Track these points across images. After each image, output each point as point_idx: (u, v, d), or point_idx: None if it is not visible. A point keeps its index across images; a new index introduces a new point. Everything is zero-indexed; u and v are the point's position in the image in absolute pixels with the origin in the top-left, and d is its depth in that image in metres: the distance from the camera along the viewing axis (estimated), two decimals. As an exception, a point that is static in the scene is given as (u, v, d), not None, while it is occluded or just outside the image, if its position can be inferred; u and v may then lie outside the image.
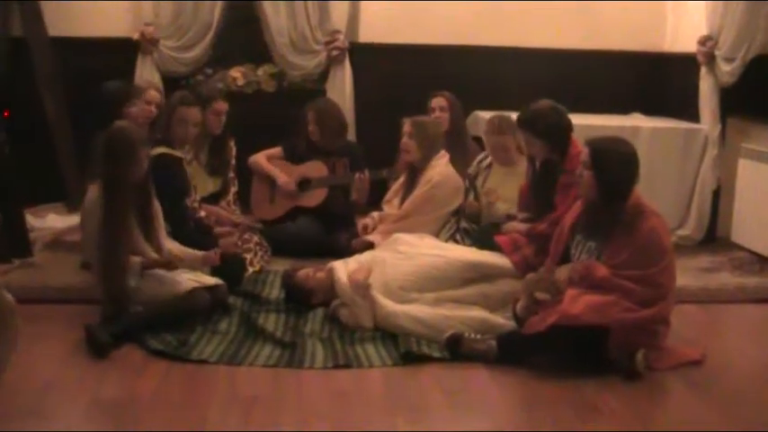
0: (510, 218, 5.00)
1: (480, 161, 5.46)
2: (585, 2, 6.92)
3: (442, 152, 5.50)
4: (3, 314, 3.23)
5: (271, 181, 5.94)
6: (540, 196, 4.78)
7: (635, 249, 3.93)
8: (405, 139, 5.48)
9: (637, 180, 4.03)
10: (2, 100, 5.88)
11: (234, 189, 5.88)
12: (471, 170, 5.46)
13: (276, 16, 6.61)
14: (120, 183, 4.29)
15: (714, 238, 6.30)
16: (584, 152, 4.07)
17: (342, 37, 6.66)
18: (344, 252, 5.21)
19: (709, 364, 4.16)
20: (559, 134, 4.60)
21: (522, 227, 4.76)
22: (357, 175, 5.72)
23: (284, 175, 5.89)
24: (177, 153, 4.93)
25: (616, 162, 4.00)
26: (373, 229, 5.50)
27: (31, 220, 5.95)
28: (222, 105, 5.62)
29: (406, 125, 5.49)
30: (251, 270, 5.21)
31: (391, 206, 5.65)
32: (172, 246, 4.60)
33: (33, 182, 6.17)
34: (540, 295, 4.06)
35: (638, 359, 3.90)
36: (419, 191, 5.44)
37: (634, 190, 4.02)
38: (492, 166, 5.35)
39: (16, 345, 3.35)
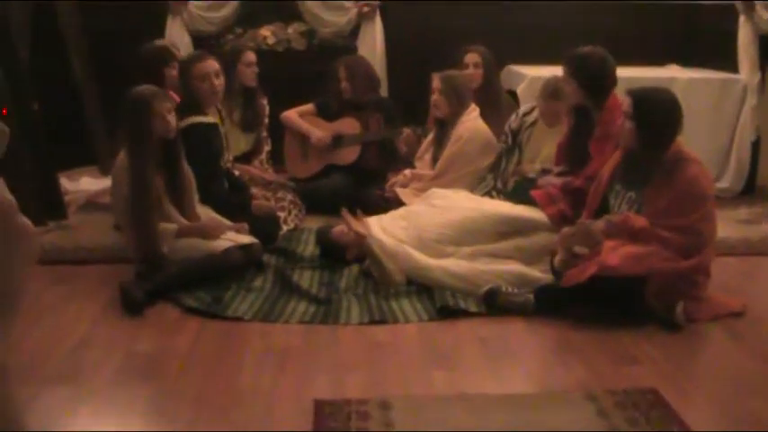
0: (545, 172, 4.93)
1: (525, 114, 5.31)
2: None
3: (472, 106, 5.40)
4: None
5: (304, 138, 5.91)
6: (575, 148, 4.70)
7: (675, 197, 3.86)
8: (434, 95, 5.40)
9: (679, 129, 3.95)
10: (31, 65, 5.86)
11: (267, 148, 5.84)
12: (513, 124, 5.31)
13: (305, -27, 6.54)
14: (141, 146, 4.27)
15: (753, 188, 6.19)
16: (626, 102, 3.99)
17: (373, -8, 6.57)
18: (378, 208, 5.17)
19: (751, 314, 4.09)
20: (598, 82, 4.49)
21: (558, 181, 4.68)
22: (407, 130, 5.71)
23: (318, 131, 5.85)
24: (210, 119, 4.85)
25: (658, 111, 3.92)
26: (404, 185, 5.44)
27: (66, 183, 5.99)
28: (251, 56, 5.58)
29: (435, 80, 5.41)
30: (285, 228, 5.20)
31: (423, 162, 5.58)
32: (203, 213, 4.59)
33: (67, 145, 6.18)
34: (578, 248, 3.98)
35: (677, 310, 3.84)
36: (449, 149, 5.35)
37: (676, 139, 3.93)
38: (536, 124, 5.23)
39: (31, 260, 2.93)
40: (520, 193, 4.83)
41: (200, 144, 4.65)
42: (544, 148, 5.12)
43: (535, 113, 5.21)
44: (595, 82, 4.50)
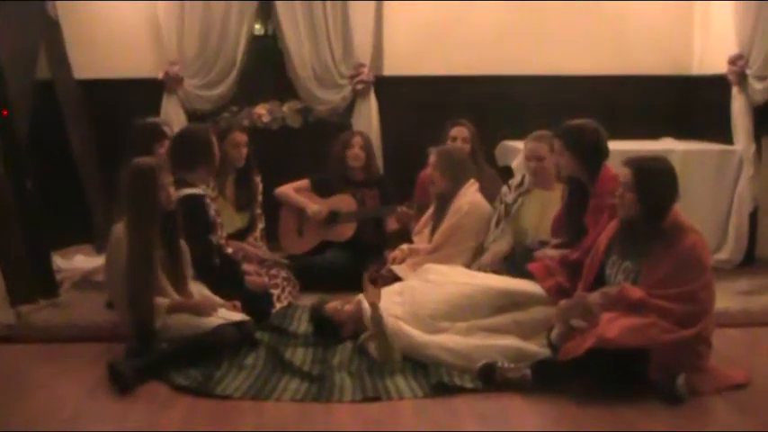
0: (543, 244, 4.89)
1: (519, 185, 5.28)
2: (611, 26, 6.83)
3: (471, 180, 5.38)
4: None
5: (299, 213, 5.89)
6: (571, 220, 4.67)
7: (674, 266, 3.81)
8: (430, 170, 5.38)
9: (677, 196, 3.94)
10: (30, 142, 5.87)
11: (261, 225, 5.80)
12: (508, 197, 5.27)
13: (299, 51, 6.60)
14: (143, 217, 4.25)
15: (753, 260, 6.13)
16: (625, 172, 3.96)
17: (366, 70, 6.62)
18: (375, 284, 5.09)
19: (755, 386, 3.98)
20: (591, 154, 4.50)
21: (555, 253, 4.63)
22: (401, 207, 5.69)
23: (314, 204, 5.83)
24: (199, 190, 4.84)
25: (658, 179, 3.92)
26: (402, 261, 5.39)
27: (60, 261, 5.98)
28: (240, 136, 5.57)
29: (432, 156, 5.41)
30: (279, 305, 5.14)
31: (422, 237, 5.52)
32: (196, 289, 4.54)
33: (62, 224, 6.18)
34: (576, 321, 3.91)
35: (679, 382, 3.75)
36: (448, 221, 5.30)
37: (673, 207, 3.90)
38: (530, 192, 5.20)
39: None
40: (517, 267, 4.77)
41: (192, 215, 4.61)
42: (539, 221, 5.08)
43: (526, 183, 5.18)
44: (590, 153, 4.51)
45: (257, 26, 6.93)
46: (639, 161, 3.98)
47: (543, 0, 6.73)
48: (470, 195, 5.33)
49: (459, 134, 5.87)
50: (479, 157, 5.94)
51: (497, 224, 5.24)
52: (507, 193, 5.29)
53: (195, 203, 4.70)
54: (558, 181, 5.03)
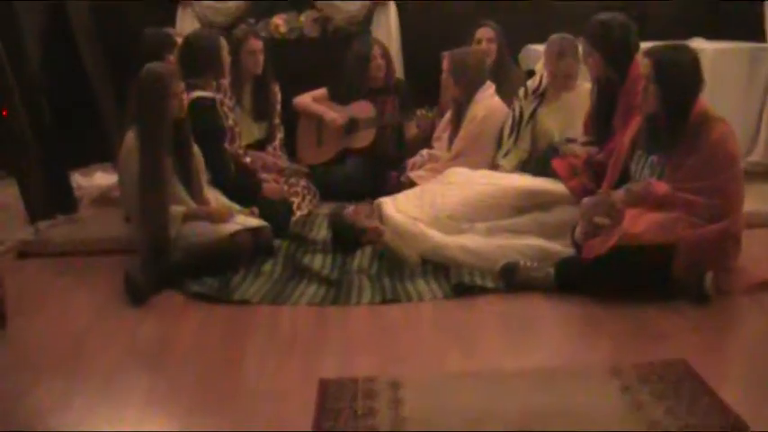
0: (570, 141, 4.73)
1: (536, 89, 5.08)
2: None
3: (488, 84, 5.20)
4: None
5: (318, 123, 5.79)
6: (600, 120, 4.49)
7: (701, 158, 3.65)
8: (444, 75, 5.23)
9: (702, 87, 3.75)
10: (44, 62, 5.79)
11: (280, 135, 5.70)
12: (524, 103, 5.08)
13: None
14: (154, 124, 4.14)
15: (786, 161, 5.94)
16: (645, 63, 3.78)
17: (385, -23, 6.42)
18: (395, 190, 4.99)
19: (785, 286, 3.86)
20: (620, 51, 4.26)
21: (581, 151, 4.48)
22: (420, 111, 5.59)
23: (332, 112, 5.71)
24: (210, 94, 4.73)
25: (680, 69, 3.72)
26: (421, 167, 5.28)
27: (80, 179, 5.95)
28: (256, 43, 5.44)
29: (445, 60, 5.25)
30: (298, 213, 5.07)
31: (440, 143, 5.41)
32: (212, 196, 4.46)
33: (81, 143, 6.12)
34: (600, 219, 3.78)
35: (706, 281, 3.63)
36: (465, 128, 5.14)
37: (699, 98, 3.73)
38: (546, 95, 5.03)
39: None
40: (540, 166, 4.64)
41: (202, 118, 4.50)
42: (552, 123, 4.94)
43: (543, 85, 5.02)
44: (619, 50, 4.27)
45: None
46: (659, 51, 3.79)
47: None
48: (486, 100, 5.15)
49: (484, 35, 5.67)
50: (506, 59, 5.75)
51: (510, 133, 5.08)
52: (522, 99, 5.10)
53: (205, 105, 4.58)
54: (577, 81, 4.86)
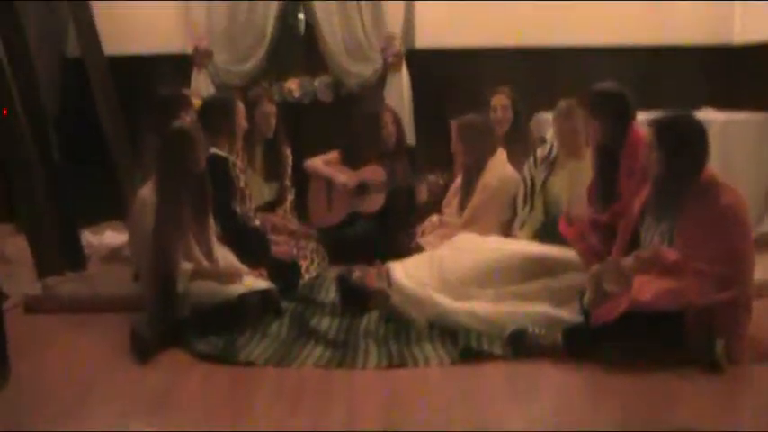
0: None
1: (546, 157, 5.09)
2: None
3: (499, 151, 5.22)
4: None
5: (328, 185, 5.81)
6: (604, 188, 4.50)
7: (710, 226, 3.65)
8: (453, 143, 5.25)
9: (707, 154, 3.76)
10: (61, 119, 5.86)
11: (290, 197, 5.73)
12: (534, 172, 5.08)
13: (329, 23, 6.50)
14: (178, 178, 4.21)
15: (796, 233, 5.92)
16: (648, 132, 3.82)
17: (398, 42, 6.50)
18: (405, 255, 4.99)
19: (797, 356, 3.81)
20: (619, 118, 4.33)
21: (586, 215, 4.49)
22: (430, 176, 5.62)
23: (343, 175, 5.74)
24: (224, 154, 4.79)
25: (682, 138, 3.75)
26: (431, 233, 5.27)
27: (90, 237, 5.98)
28: (270, 107, 5.51)
29: (453, 128, 5.27)
30: (307, 276, 5.06)
31: (451, 209, 5.40)
32: (221, 255, 4.47)
33: (93, 200, 6.16)
34: (609, 286, 3.76)
35: (717, 349, 3.59)
36: (478, 197, 5.16)
37: (707, 166, 3.74)
38: (556, 163, 5.05)
39: None
40: (549, 233, 4.63)
41: (216, 175, 4.55)
42: (567, 191, 4.93)
43: (554, 152, 5.02)
44: (618, 117, 4.35)
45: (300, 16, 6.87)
46: (661, 119, 3.83)
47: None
48: (499, 168, 5.17)
49: (500, 102, 5.71)
50: (523, 126, 5.78)
51: (524, 204, 5.08)
52: (532, 168, 5.11)
53: (219, 163, 4.64)
54: (586, 149, 4.87)
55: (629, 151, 4.25)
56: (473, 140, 5.17)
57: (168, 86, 5.57)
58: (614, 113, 4.34)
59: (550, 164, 5.05)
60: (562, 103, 4.93)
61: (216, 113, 4.91)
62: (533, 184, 5.07)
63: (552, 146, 5.07)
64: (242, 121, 5.04)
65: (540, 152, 5.13)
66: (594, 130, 4.43)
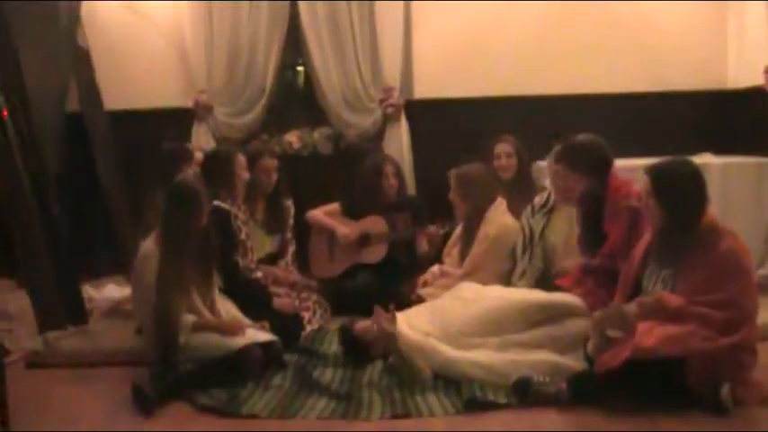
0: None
1: (543, 205, 5.11)
2: (643, 43, 6.71)
3: (499, 200, 5.21)
4: None
5: (330, 237, 5.81)
6: (592, 234, 4.56)
7: (712, 271, 3.65)
8: (451, 193, 5.26)
9: (706, 199, 3.78)
10: (61, 174, 5.88)
11: (292, 249, 5.72)
12: (532, 221, 5.09)
13: (328, 76, 6.56)
14: (182, 234, 4.24)
15: (797, 276, 5.91)
16: (645, 180, 3.86)
17: (396, 93, 6.56)
18: (406, 305, 4.97)
19: (803, 399, 3.79)
20: (597, 167, 4.47)
21: (577, 262, 4.55)
22: (431, 227, 5.59)
23: (344, 227, 5.75)
24: (226, 206, 4.82)
25: (679, 184, 3.78)
26: (433, 283, 5.26)
27: (91, 291, 5.97)
28: (270, 162, 5.50)
29: (451, 177, 5.28)
30: (309, 328, 5.04)
31: (451, 258, 5.39)
32: (223, 308, 4.47)
33: (94, 255, 6.19)
34: (612, 332, 3.75)
35: (723, 393, 3.57)
36: (478, 247, 5.14)
37: (707, 211, 3.76)
38: (556, 210, 5.07)
39: None
40: (548, 286, 4.65)
41: (218, 227, 4.55)
42: (563, 236, 4.94)
43: (551, 201, 5.04)
44: (598, 165, 4.48)
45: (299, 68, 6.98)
46: (657, 166, 3.87)
47: (573, 18, 6.63)
48: (499, 218, 5.16)
49: (503, 150, 5.74)
50: (527, 174, 5.79)
51: (523, 253, 5.07)
52: (530, 217, 5.12)
53: (221, 215, 4.67)
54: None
55: (611, 196, 4.39)
56: (471, 190, 5.18)
57: (171, 140, 5.59)
58: (593, 164, 4.47)
59: (548, 211, 5.06)
60: (557, 147, 4.96)
61: (217, 166, 4.97)
62: (532, 233, 5.07)
63: (550, 193, 5.08)
64: (243, 173, 5.07)
65: (538, 200, 5.14)
66: (575, 183, 4.54)
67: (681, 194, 3.75)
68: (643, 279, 3.95)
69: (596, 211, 4.48)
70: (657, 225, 3.85)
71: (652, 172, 3.84)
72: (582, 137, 4.59)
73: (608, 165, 4.49)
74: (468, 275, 5.08)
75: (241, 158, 5.09)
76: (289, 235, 5.72)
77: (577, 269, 4.49)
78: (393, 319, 4.43)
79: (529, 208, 5.15)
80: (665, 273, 3.84)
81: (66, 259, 5.35)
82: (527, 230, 5.08)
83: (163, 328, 4.12)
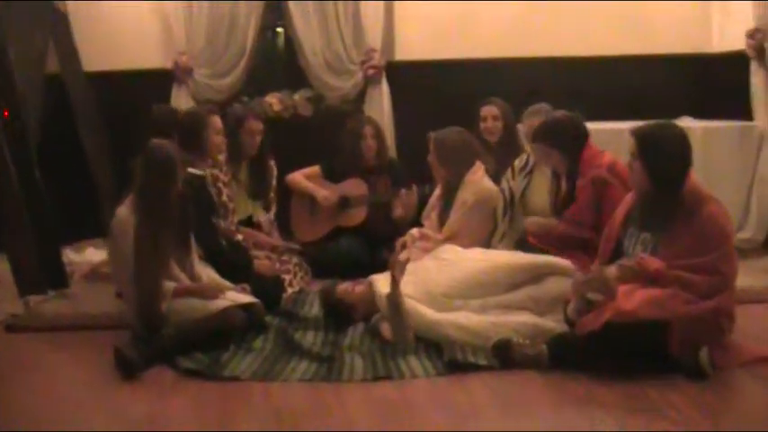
0: None
1: (523, 167, 5.13)
2: (627, 6, 6.68)
3: (477, 165, 5.15)
4: None
5: (310, 200, 5.81)
6: (565, 198, 4.71)
7: (693, 236, 3.67)
8: (429, 157, 5.23)
9: (690, 163, 3.79)
10: (41, 137, 5.83)
11: (274, 208, 5.71)
12: (512, 183, 5.12)
13: (309, 37, 6.50)
14: (158, 200, 4.19)
15: (776, 239, 5.98)
16: (631, 142, 3.85)
17: (377, 55, 6.52)
18: (387, 268, 4.96)
19: (781, 360, 3.84)
20: (576, 141, 4.56)
21: (543, 221, 4.76)
22: (403, 191, 5.54)
23: (324, 190, 5.74)
24: (200, 172, 4.76)
25: (665, 147, 3.77)
26: (410, 245, 5.24)
27: (71, 254, 5.95)
28: (255, 125, 5.47)
29: (430, 140, 5.25)
30: (290, 291, 5.05)
31: (430, 221, 5.37)
32: (203, 272, 4.46)
33: (74, 218, 6.14)
34: (593, 295, 3.76)
35: (702, 356, 3.60)
36: (455, 214, 5.11)
37: (689, 176, 3.77)
38: (537, 170, 5.07)
39: None
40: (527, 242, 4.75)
41: (194, 193, 4.52)
42: (547, 196, 4.98)
43: (530, 162, 5.06)
44: (575, 142, 4.58)
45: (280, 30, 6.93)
46: (643, 129, 3.86)
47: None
48: (476, 184, 5.11)
49: (489, 113, 5.69)
50: (513, 137, 5.74)
51: (504, 215, 5.09)
52: (510, 179, 5.14)
53: (194, 182, 4.61)
54: None
55: (582, 165, 4.54)
56: (449, 154, 5.13)
57: (160, 104, 5.54)
58: (573, 138, 4.57)
59: (529, 173, 5.07)
60: (529, 113, 4.99)
61: (186, 130, 4.84)
62: (512, 195, 5.09)
63: (528, 155, 5.09)
64: (216, 137, 4.93)
65: (518, 162, 5.15)
66: (559, 160, 4.64)
67: (666, 158, 3.75)
68: (623, 241, 3.96)
69: (571, 180, 4.61)
70: (641, 188, 3.85)
71: (638, 134, 3.84)
72: (559, 113, 4.70)
73: (585, 140, 4.60)
74: (447, 241, 5.06)
75: (215, 121, 4.95)
76: (272, 195, 5.72)
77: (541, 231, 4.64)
78: (367, 291, 4.44)
79: (509, 171, 5.16)
80: (645, 236, 3.85)
81: (47, 223, 5.31)
82: (507, 193, 5.09)
83: (143, 295, 4.10)
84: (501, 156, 5.42)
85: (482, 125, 5.66)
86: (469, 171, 5.14)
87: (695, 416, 3.29)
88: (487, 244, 5.06)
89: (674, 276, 3.63)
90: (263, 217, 5.59)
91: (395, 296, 4.16)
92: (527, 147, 5.33)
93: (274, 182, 5.73)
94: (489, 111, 5.71)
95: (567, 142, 4.56)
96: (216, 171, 4.97)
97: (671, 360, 3.67)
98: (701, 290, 3.63)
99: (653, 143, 3.78)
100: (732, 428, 3.28)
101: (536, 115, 5.10)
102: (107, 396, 3.66)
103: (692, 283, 3.62)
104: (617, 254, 3.96)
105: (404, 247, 5.23)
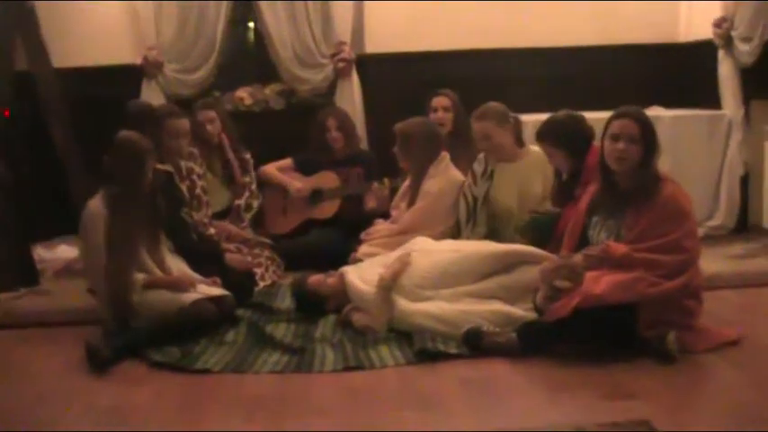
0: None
1: (484, 172, 5.08)
2: (596, -3, 6.72)
3: (442, 155, 5.16)
4: None
5: (282, 193, 5.81)
6: (565, 192, 4.64)
7: (654, 217, 3.72)
8: (395, 148, 5.24)
9: (657, 149, 3.87)
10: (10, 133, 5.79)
11: (257, 201, 5.71)
12: (474, 189, 5.08)
13: (279, 31, 6.48)
14: (128, 190, 4.20)
15: (746, 225, 6.02)
16: (630, 125, 3.82)
17: (347, 48, 6.51)
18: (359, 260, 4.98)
19: (750, 344, 3.88)
20: (582, 141, 4.49)
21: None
22: (375, 184, 5.55)
23: (296, 183, 5.74)
24: (167, 167, 4.75)
25: (652, 127, 3.88)
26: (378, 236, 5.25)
27: (42, 251, 5.89)
28: (207, 114, 5.47)
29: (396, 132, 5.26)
30: (262, 284, 5.05)
31: (399, 212, 5.37)
32: (174, 265, 4.45)
33: (45, 215, 6.09)
34: (560, 283, 3.79)
35: (669, 341, 3.64)
36: (418, 204, 5.13)
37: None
38: (494, 174, 5.05)
39: None
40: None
41: (163, 188, 4.51)
42: (514, 195, 5.00)
43: (490, 165, 5.06)
44: (579, 142, 4.50)
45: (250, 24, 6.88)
46: (636, 112, 3.89)
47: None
48: (440, 175, 5.13)
49: (440, 104, 5.70)
50: (464, 128, 5.70)
51: (467, 221, 5.08)
52: (473, 185, 5.10)
53: (160, 177, 4.58)
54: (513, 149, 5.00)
55: (587, 176, 4.37)
56: (411, 145, 5.15)
57: (135, 100, 5.52)
58: (575, 140, 4.50)
59: (489, 177, 5.07)
60: (476, 116, 5.02)
61: (141, 127, 4.71)
62: (475, 201, 5.07)
63: (484, 157, 5.08)
64: (171, 141, 4.91)
65: (477, 166, 5.11)
66: (560, 159, 4.56)
67: (655, 136, 3.84)
68: (588, 230, 4.00)
69: (574, 177, 4.54)
70: (631, 167, 3.84)
71: (635, 116, 3.86)
72: (564, 114, 4.62)
73: (590, 141, 4.50)
74: (405, 231, 5.06)
75: (171, 124, 4.92)
76: (254, 186, 5.73)
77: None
78: (338, 283, 4.45)
79: (470, 178, 5.11)
80: (609, 222, 3.90)
81: (17, 220, 5.28)
82: (470, 200, 5.07)
83: (114, 287, 4.11)
84: (452, 147, 5.39)
85: (432, 116, 5.66)
86: (434, 161, 5.16)
87: (661, 398, 3.34)
88: (458, 234, 5.07)
89: (641, 259, 3.67)
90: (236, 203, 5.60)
91: (388, 285, 4.22)
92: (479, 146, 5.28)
93: (253, 173, 5.73)
94: (440, 101, 5.72)
95: (570, 142, 4.50)
96: (191, 164, 4.97)
97: (640, 345, 3.72)
98: (668, 269, 3.67)
99: (650, 125, 3.86)
100: (702, 411, 3.32)
101: (481, 119, 5.00)
102: (73, 388, 3.66)
103: (658, 264, 3.66)
104: (582, 243, 3.99)
105: (369, 236, 5.23)
